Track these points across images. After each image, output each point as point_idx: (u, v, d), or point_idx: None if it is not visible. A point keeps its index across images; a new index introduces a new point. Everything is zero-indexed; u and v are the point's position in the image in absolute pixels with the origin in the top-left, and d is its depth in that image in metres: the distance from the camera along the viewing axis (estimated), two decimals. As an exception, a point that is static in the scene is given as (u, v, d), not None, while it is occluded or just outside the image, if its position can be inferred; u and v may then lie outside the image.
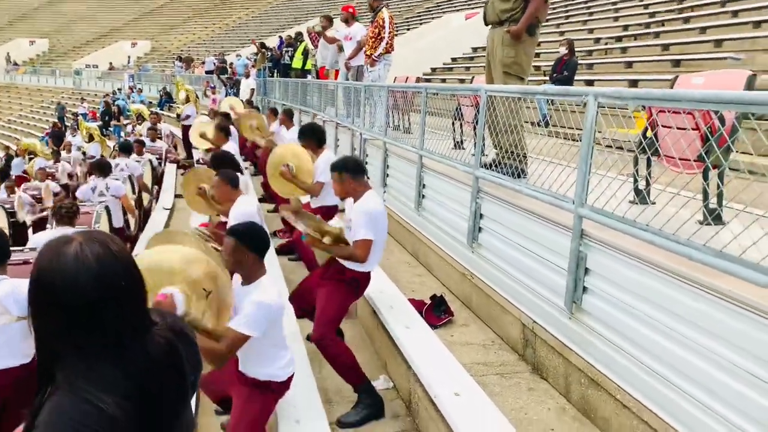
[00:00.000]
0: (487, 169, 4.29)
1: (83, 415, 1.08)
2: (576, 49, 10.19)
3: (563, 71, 9.38)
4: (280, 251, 6.47)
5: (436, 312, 4.21)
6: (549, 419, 3.05)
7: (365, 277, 3.84)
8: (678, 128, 3.15)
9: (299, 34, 13.67)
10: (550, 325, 3.38)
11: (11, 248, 3.40)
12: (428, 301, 4.35)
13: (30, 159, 16.50)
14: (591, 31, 14.20)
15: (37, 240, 5.06)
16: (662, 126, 3.43)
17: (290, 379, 3.09)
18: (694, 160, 3.11)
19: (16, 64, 41.28)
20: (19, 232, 9.40)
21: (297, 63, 12.41)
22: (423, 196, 5.52)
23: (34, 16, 48.90)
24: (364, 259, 3.65)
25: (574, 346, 3.16)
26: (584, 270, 3.10)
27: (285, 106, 11.33)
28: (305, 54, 12.18)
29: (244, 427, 2.94)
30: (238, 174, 4.72)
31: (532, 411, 3.15)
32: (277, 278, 5.50)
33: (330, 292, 3.73)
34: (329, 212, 5.13)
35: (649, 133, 3.56)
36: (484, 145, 4.46)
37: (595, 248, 3.04)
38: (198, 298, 2.85)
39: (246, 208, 4.20)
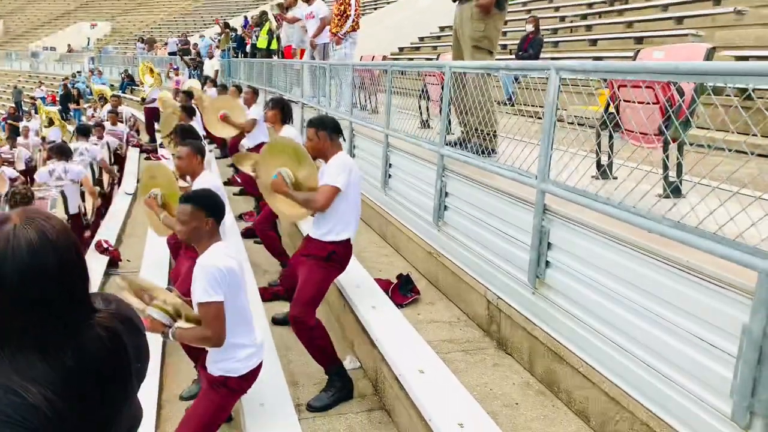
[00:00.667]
0: (453, 147, 4.26)
1: (3, 404, 1.02)
2: (541, 27, 10.20)
3: (528, 49, 9.39)
4: (246, 235, 6.38)
5: (402, 291, 4.20)
6: (513, 393, 3.07)
7: (344, 247, 3.69)
8: (638, 102, 3.17)
9: (264, 13, 13.39)
10: (514, 300, 3.39)
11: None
12: (395, 281, 4.33)
13: (-13, 145, 15.94)
14: (557, 9, 14.23)
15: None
16: (623, 101, 3.44)
17: (253, 372, 2.85)
18: (655, 134, 3.14)
19: (-32, 46, 39.71)
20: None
21: (262, 43, 12.17)
22: (389, 176, 5.48)
23: (-14, -3, 46.97)
24: (323, 206, 3.55)
25: (538, 320, 3.17)
26: (547, 245, 3.10)
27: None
28: (270, 34, 11.95)
29: (192, 427, 2.76)
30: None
31: (497, 386, 3.16)
32: (243, 262, 5.41)
33: (309, 270, 3.63)
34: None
35: (611, 108, 3.59)
36: (449, 123, 4.43)
37: (558, 223, 3.04)
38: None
39: (211, 182, 4.04)
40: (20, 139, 13.75)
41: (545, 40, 10.50)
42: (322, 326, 3.58)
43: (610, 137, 3.73)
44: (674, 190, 3.19)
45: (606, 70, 2.89)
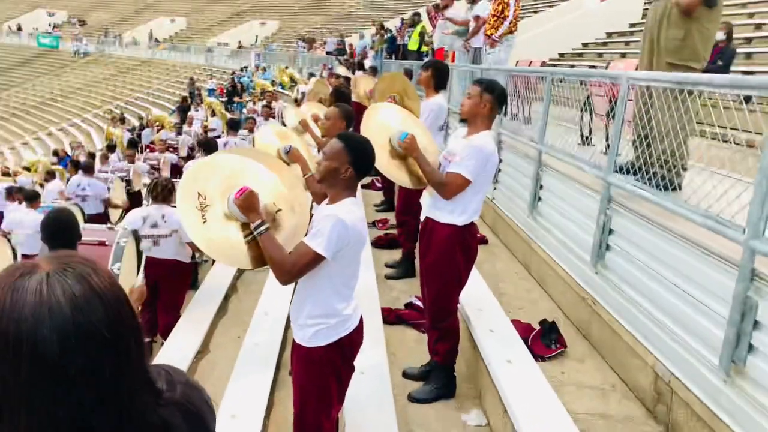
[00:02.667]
0: (623, 173, 3.53)
1: None
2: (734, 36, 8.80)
3: (717, 60, 8.09)
4: (376, 244, 6.03)
5: (545, 341, 3.56)
6: None
7: (466, 231, 3.27)
8: None
9: (416, 14, 13.10)
10: (694, 384, 2.63)
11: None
12: (536, 326, 3.70)
13: (158, 130, 17.42)
14: (751, 15, 12.37)
15: (132, 218, 4.95)
16: None
17: (350, 338, 2.48)
18: None
19: (157, 41, 44.19)
20: (135, 201, 9.78)
21: (413, 45, 11.88)
22: (539, 199, 4.81)
23: (176, -4, 52.08)
24: (449, 196, 3.18)
25: (729, 419, 2.40)
26: (753, 322, 2.33)
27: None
28: (421, 36, 11.60)
29: (306, 418, 2.57)
30: None
31: (665, 494, 2.45)
32: (368, 267, 5.01)
33: (435, 278, 3.36)
34: None
35: None
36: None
37: (773, 296, 2.26)
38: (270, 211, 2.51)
39: None
40: (185, 127, 14.72)
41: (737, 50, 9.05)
42: (458, 326, 3.47)
43: None
44: None
45: None
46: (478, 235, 4.03)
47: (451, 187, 3.14)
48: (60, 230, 2.95)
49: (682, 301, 2.82)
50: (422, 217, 3.49)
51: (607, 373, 3.38)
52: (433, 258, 3.30)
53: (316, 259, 2.29)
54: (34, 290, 0.78)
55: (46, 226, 2.97)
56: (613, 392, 3.20)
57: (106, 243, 3.73)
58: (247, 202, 2.35)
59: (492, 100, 3.20)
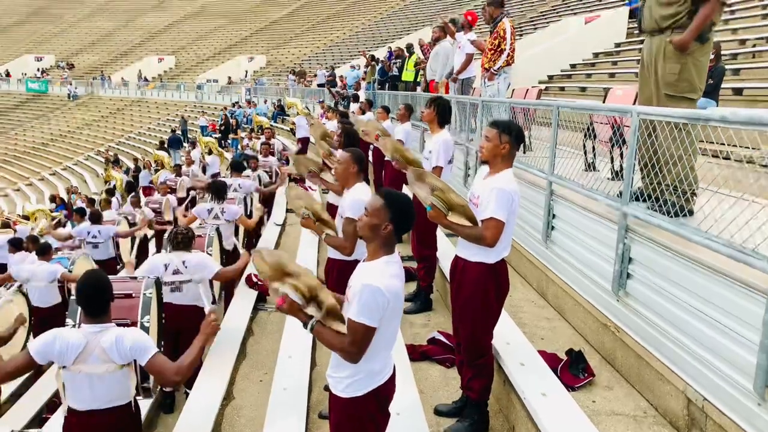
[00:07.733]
0: (638, 201, 3.64)
1: None
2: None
3: (708, 79, 8.31)
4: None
5: (573, 371, 3.63)
6: None
7: (497, 268, 3.35)
8: None
9: (410, 46, 13.35)
10: (730, 409, 2.71)
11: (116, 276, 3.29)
12: (563, 356, 3.77)
13: (156, 171, 17.48)
14: (734, 31, 12.72)
15: (153, 266, 5.00)
16: None
17: (386, 387, 2.53)
18: None
19: (146, 80, 44.57)
20: (141, 246, 9.82)
21: (408, 75, 12.07)
22: (552, 228, 4.91)
23: (161, 36, 52.68)
24: (493, 242, 3.23)
25: (768, 442, 2.48)
26: (785, 348, 2.42)
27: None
28: (417, 66, 11.81)
29: None
30: None
31: None
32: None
33: (466, 310, 3.41)
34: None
35: None
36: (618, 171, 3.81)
37: (803, 322, 2.36)
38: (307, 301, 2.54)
39: (362, 195, 3.72)
40: (184, 168, 14.80)
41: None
42: (493, 362, 3.55)
43: None
44: None
45: None
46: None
47: (490, 233, 3.21)
48: (96, 294, 3.03)
49: (708, 326, 2.90)
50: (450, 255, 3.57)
51: (638, 399, 3.44)
52: (467, 297, 3.38)
53: (369, 331, 2.36)
54: None
55: (82, 292, 3.04)
56: (645, 419, 3.26)
57: (133, 295, 3.79)
58: (289, 311, 2.45)
59: (510, 140, 3.33)
